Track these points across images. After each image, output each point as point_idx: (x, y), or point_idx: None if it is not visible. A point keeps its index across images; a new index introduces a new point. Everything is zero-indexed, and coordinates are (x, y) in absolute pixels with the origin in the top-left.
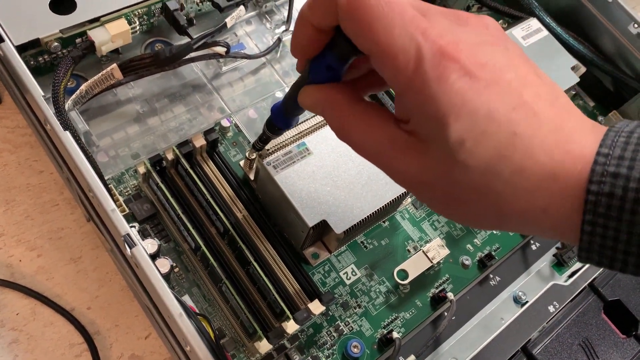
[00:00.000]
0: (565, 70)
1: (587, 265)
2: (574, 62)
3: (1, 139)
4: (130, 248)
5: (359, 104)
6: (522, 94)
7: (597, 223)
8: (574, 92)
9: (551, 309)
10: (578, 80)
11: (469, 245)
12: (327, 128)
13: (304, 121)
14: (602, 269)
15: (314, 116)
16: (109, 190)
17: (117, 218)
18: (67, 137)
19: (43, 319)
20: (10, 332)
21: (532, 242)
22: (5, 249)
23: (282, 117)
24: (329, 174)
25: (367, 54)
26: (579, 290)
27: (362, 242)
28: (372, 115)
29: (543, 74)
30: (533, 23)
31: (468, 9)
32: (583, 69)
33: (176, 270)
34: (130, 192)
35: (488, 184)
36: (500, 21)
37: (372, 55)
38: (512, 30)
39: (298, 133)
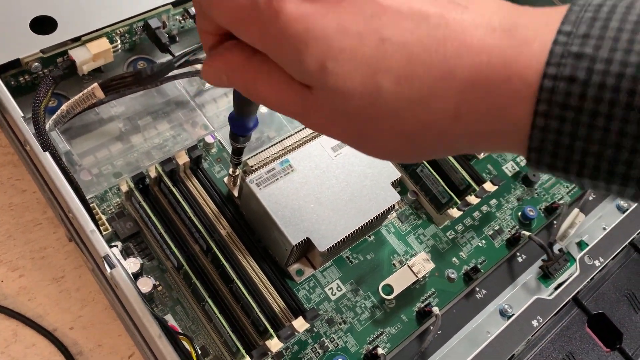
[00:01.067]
0: None
1: (571, 278)
2: None
3: None
4: (110, 269)
5: (254, 58)
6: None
7: (551, 115)
8: None
9: (535, 323)
10: None
11: (454, 259)
12: (311, 144)
13: (287, 137)
14: (586, 282)
15: (297, 132)
16: (90, 210)
17: (97, 239)
18: (46, 158)
19: (25, 341)
20: None
21: (518, 254)
22: None
23: (237, 122)
24: (313, 191)
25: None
26: (563, 303)
27: (347, 256)
28: (270, 69)
29: None
30: None
31: None
32: None
33: (159, 288)
34: (113, 210)
35: (378, 105)
36: None
37: (224, 23)
38: None
39: (281, 149)
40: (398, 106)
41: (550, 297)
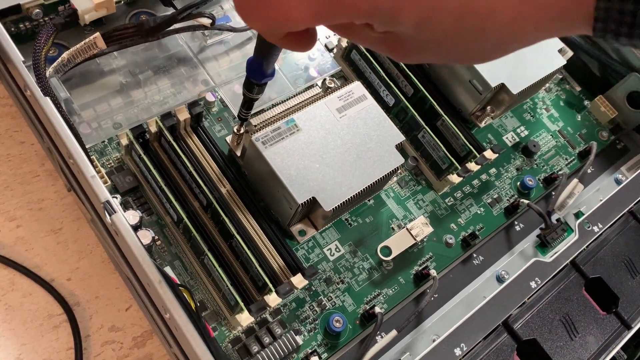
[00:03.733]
0: (552, 52)
1: (569, 243)
2: (561, 44)
3: None
4: (110, 215)
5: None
6: None
7: None
8: (560, 77)
9: (533, 284)
10: (564, 62)
11: (452, 225)
12: (316, 105)
13: (291, 98)
14: (583, 247)
15: (302, 92)
16: (89, 158)
17: (97, 184)
18: (47, 103)
19: (22, 289)
20: None
21: (515, 223)
22: None
23: (256, 66)
24: (318, 151)
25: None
26: (561, 267)
27: (346, 219)
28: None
29: None
30: None
31: None
32: (570, 53)
33: (158, 242)
34: (112, 164)
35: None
36: None
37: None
38: None
39: (286, 109)
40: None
41: (548, 260)
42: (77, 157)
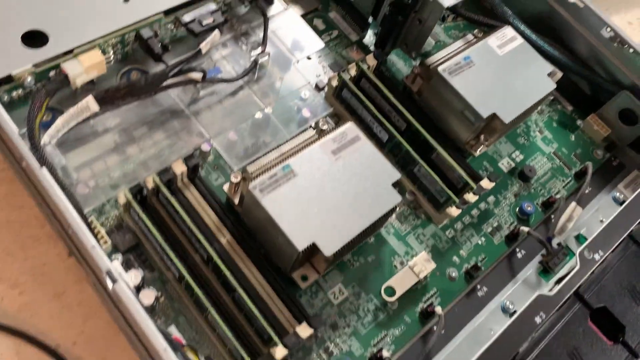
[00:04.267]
0: (542, 77)
1: (572, 272)
2: (550, 68)
3: None
4: (112, 284)
5: None
6: None
7: None
8: (551, 98)
9: (537, 319)
10: (555, 86)
11: (455, 257)
12: (311, 148)
13: (285, 143)
14: (587, 276)
15: (296, 136)
16: (89, 225)
17: (98, 254)
18: (44, 174)
19: (27, 358)
20: None
21: (517, 250)
22: None
23: None
24: (315, 195)
25: None
26: (565, 299)
27: (348, 260)
28: None
29: None
30: (507, 31)
31: (443, 19)
32: (559, 74)
33: (161, 300)
34: (112, 222)
35: None
36: (476, 30)
37: None
38: (487, 40)
39: (282, 155)
40: None
41: (551, 293)
42: (77, 227)
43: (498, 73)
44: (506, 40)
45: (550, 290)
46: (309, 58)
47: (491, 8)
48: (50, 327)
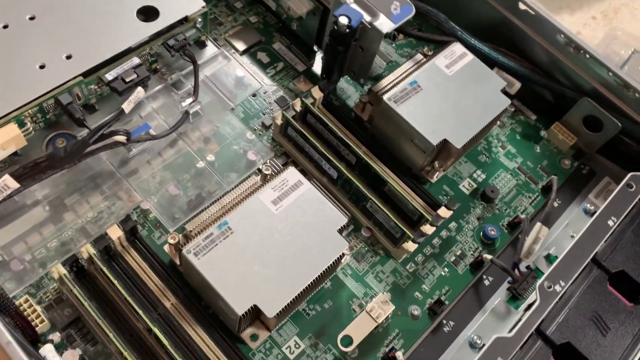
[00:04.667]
0: (494, 94)
1: (532, 309)
2: (503, 83)
3: None
4: None
5: None
6: None
7: None
8: (512, 109)
9: None
10: (509, 102)
11: (417, 293)
12: (249, 201)
13: (225, 194)
14: (548, 311)
15: (240, 183)
16: (15, 311)
17: (13, 351)
18: None
19: None
20: None
21: (484, 277)
22: None
23: None
24: (255, 252)
25: None
26: (525, 338)
27: (303, 309)
28: None
29: None
30: (456, 48)
31: (394, 38)
32: (518, 85)
33: None
34: (51, 296)
35: None
36: (426, 48)
37: None
38: (434, 59)
39: (220, 208)
40: None
41: (510, 335)
42: None
43: (447, 95)
44: (455, 58)
45: (510, 331)
46: (254, 95)
47: (437, 26)
48: None
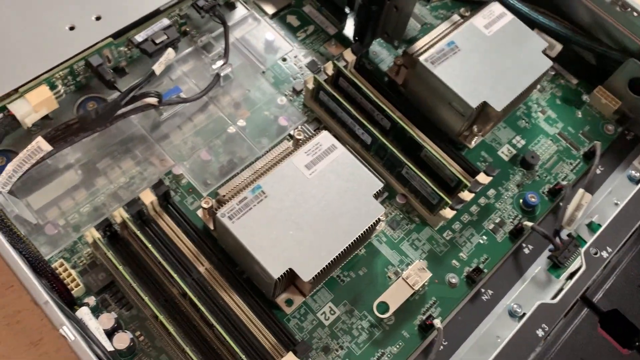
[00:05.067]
0: (535, 55)
1: (576, 277)
2: (544, 44)
3: None
4: (71, 340)
5: None
6: None
7: None
8: (553, 73)
9: (540, 333)
10: (551, 64)
11: (454, 261)
12: (282, 165)
13: (258, 159)
14: (594, 277)
15: (272, 148)
16: (52, 273)
17: (51, 310)
18: None
19: None
20: None
21: (524, 245)
22: None
23: None
24: (290, 216)
25: None
26: (570, 305)
27: (338, 276)
28: None
29: None
30: (495, 8)
31: (428, 1)
32: (559, 47)
33: (141, 338)
34: (85, 261)
35: None
36: (462, 9)
37: None
38: (472, 20)
39: (254, 173)
40: None
41: (554, 301)
42: (28, 285)
43: (486, 56)
44: (494, 18)
45: (554, 297)
46: (284, 60)
47: None
48: None
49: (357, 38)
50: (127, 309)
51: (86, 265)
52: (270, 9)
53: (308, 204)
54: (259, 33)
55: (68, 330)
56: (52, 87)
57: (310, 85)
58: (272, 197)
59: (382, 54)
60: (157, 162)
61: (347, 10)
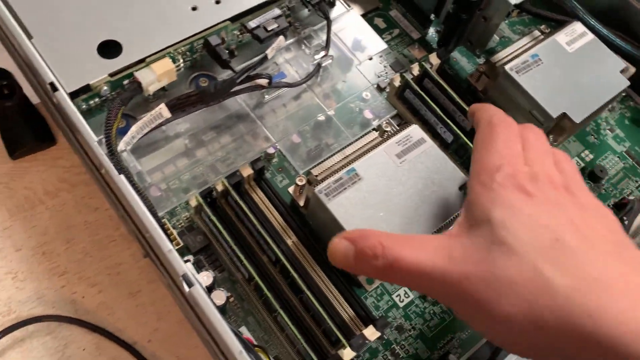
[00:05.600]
0: (614, 74)
1: None
2: (622, 64)
3: (58, 179)
4: (189, 287)
5: None
6: (577, 223)
7: None
8: (623, 94)
9: None
10: (628, 83)
11: None
12: (375, 152)
13: (348, 146)
14: None
15: (359, 138)
16: (163, 229)
17: (174, 258)
18: (122, 181)
19: (108, 354)
20: None
21: None
22: (69, 287)
23: None
24: (381, 199)
25: None
26: None
27: None
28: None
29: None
30: (577, 27)
31: (508, 14)
32: (632, 70)
33: (231, 300)
34: (183, 224)
35: (526, 275)
36: (543, 26)
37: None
38: (555, 36)
39: (345, 158)
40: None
41: None
42: (154, 232)
43: (567, 71)
44: (576, 36)
45: None
46: (370, 59)
47: (558, 2)
48: (127, 325)
49: (441, 44)
50: (220, 271)
51: (184, 228)
52: (359, 10)
53: (397, 190)
54: (351, 31)
55: (191, 276)
56: (174, 60)
57: (397, 83)
58: (366, 180)
59: (462, 61)
60: (252, 141)
61: (432, 17)
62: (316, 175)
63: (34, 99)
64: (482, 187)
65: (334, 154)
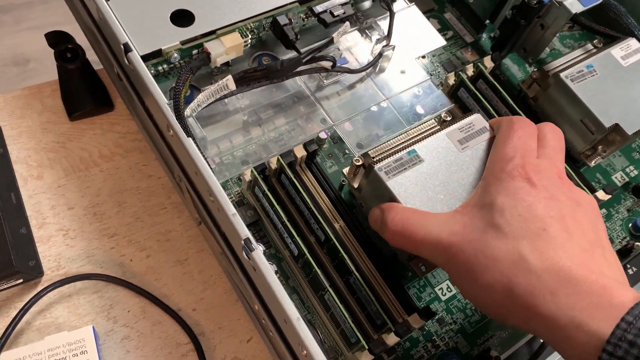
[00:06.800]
0: None
1: None
2: None
3: (114, 144)
4: (250, 252)
5: None
6: (566, 218)
7: None
8: None
9: None
10: None
11: None
12: (437, 136)
13: (413, 128)
14: None
15: (422, 122)
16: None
17: (238, 222)
18: (189, 144)
19: (152, 318)
20: (122, 329)
21: (628, 266)
22: (118, 248)
23: None
24: (441, 182)
25: None
26: None
27: None
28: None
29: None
30: (632, 43)
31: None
32: None
33: (277, 276)
34: (233, 198)
35: (513, 254)
36: (596, 40)
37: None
38: (610, 50)
39: (407, 139)
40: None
41: None
42: (219, 195)
43: (621, 84)
44: (630, 51)
45: None
46: (423, 57)
47: (615, 18)
48: (172, 291)
49: (495, 48)
50: (267, 247)
51: (234, 203)
52: None
53: (458, 175)
54: (409, 27)
55: (253, 240)
56: (242, 35)
57: (451, 82)
58: (426, 162)
59: (513, 68)
60: (305, 125)
61: (486, 22)
62: (373, 157)
63: (96, 65)
64: (494, 175)
65: (393, 138)
